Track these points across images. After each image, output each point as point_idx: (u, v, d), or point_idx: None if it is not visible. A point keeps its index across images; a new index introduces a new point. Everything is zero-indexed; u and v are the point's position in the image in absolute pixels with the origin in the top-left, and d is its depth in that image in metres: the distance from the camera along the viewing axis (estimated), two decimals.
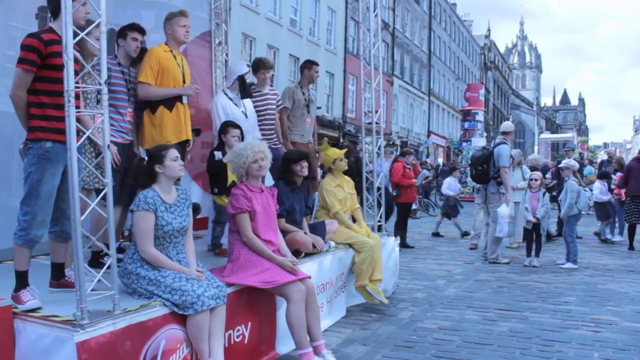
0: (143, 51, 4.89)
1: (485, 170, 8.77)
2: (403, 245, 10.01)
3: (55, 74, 3.31)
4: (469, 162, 9.74)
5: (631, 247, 10.52)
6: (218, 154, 5.31)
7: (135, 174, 3.79)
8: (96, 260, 4.40)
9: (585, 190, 8.75)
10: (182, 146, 4.99)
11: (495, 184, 8.77)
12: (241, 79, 5.85)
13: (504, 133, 9.24)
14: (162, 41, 5.17)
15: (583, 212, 9.28)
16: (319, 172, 7.73)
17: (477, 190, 9.86)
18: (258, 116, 6.15)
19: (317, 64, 6.86)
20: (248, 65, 6.04)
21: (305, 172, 5.19)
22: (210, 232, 5.72)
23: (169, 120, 4.82)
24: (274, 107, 6.33)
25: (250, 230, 4.21)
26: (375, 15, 7.00)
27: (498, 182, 8.71)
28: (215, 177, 5.35)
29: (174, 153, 3.76)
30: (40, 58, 3.39)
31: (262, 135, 6.11)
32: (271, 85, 6.57)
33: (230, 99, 5.79)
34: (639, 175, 10.41)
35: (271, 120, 6.29)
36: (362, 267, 5.64)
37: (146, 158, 3.80)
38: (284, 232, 4.83)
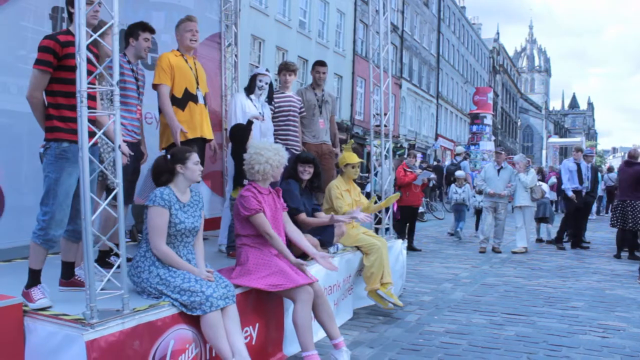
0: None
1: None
2: (410, 248, 10.01)
3: (71, 75, 3.30)
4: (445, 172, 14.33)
5: (618, 255, 10.19)
6: None
7: (159, 171, 3.81)
8: (102, 259, 4.41)
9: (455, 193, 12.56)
10: (202, 149, 5.05)
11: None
12: (252, 78, 5.94)
13: (458, 154, 15.41)
14: (172, 42, 5.26)
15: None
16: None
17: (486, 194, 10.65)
18: (282, 117, 6.25)
19: (320, 64, 6.84)
20: (267, 70, 6.09)
21: (306, 177, 5.24)
22: (223, 232, 5.71)
23: (181, 120, 4.87)
24: (297, 110, 6.37)
25: (270, 227, 4.20)
26: (385, 18, 7.01)
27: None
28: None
29: (196, 157, 3.83)
30: (57, 59, 3.41)
31: (290, 137, 6.18)
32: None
33: (250, 99, 5.84)
34: (625, 180, 10.15)
35: (295, 123, 6.33)
36: (371, 271, 5.60)
37: (169, 156, 3.82)
38: (308, 227, 4.94)
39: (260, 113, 5.79)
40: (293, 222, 4.73)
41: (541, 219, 12.10)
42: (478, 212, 12.52)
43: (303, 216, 5.08)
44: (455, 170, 14.46)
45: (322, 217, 5.31)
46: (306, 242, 4.55)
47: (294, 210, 4.96)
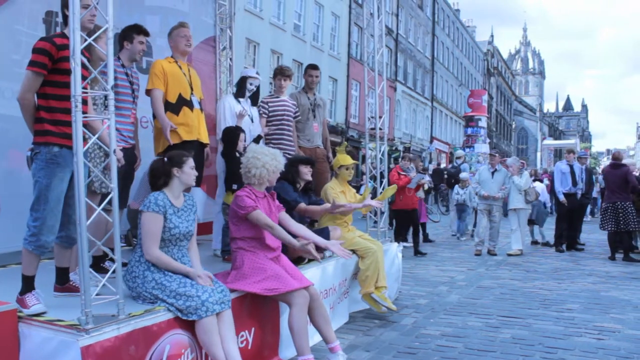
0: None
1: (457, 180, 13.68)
2: (416, 252, 10.14)
3: (65, 79, 3.29)
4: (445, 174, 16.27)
5: (612, 257, 10.21)
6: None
7: (156, 174, 3.80)
8: (97, 264, 4.38)
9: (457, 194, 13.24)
10: (199, 154, 5.04)
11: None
12: (243, 81, 5.96)
13: (458, 157, 17.58)
14: (167, 46, 5.25)
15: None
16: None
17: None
18: (275, 121, 6.23)
19: (313, 67, 6.82)
20: (257, 73, 6.08)
21: (309, 177, 5.26)
22: (216, 237, 5.71)
23: (177, 123, 4.87)
24: (292, 114, 6.36)
25: (269, 219, 4.18)
26: (379, 21, 7.01)
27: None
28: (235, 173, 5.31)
29: (192, 162, 3.85)
30: (52, 61, 3.40)
31: (283, 141, 6.17)
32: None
33: (238, 102, 5.84)
34: (613, 182, 10.18)
35: (289, 127, 6.32)
36: (366, 274, 5.60)
37: (166, 159, 3.82)
38: (309, 215, 5.05)
39: (248, 115, 5.80)
40: (292, 216, 4.73)
41: (529, 221, 12.11)
42: (476, 212, 12.65)
43: (302, 205, 5.09)
44: (456, 173, 15.50)
45: (324, 205, 5.32)
46: (314, 234, 4.54)
47: (292, 202, 4.97)
